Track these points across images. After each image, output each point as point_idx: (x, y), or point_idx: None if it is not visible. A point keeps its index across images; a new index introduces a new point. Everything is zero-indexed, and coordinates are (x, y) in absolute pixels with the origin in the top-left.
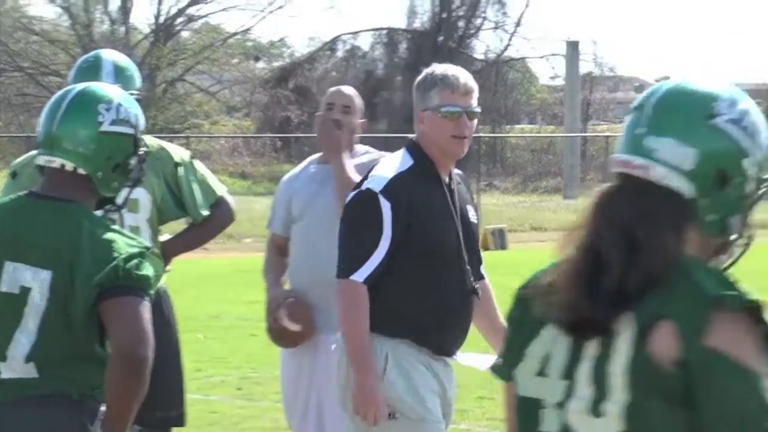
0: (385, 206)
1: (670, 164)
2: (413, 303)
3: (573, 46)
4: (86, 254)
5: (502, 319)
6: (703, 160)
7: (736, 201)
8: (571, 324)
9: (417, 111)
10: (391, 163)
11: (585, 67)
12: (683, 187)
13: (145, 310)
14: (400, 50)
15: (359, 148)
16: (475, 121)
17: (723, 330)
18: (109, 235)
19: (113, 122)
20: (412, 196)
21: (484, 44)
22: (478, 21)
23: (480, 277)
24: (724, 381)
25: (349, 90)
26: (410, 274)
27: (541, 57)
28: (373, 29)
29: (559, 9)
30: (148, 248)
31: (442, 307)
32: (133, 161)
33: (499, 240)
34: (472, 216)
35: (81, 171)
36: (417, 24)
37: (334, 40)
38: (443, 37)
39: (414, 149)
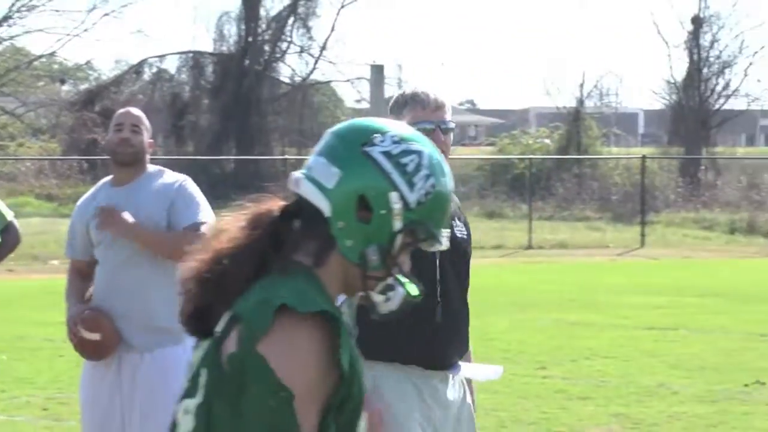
0: None
1: (318, 182)
2: (391, 325)
3: (378, 70)
4: None
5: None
6: (344, 182)
7: (377, 233)
8: (188, 327)
9: None
10: None
11: (390, 90)
12: (324, 205)
13: None
14: (207, 73)
15: (151, 168)
16: (451, 136)
17: (276, 338)
18: None
19: None
20: None
21: (290, 68)
22: (284, 45)
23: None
24: (257, 388)
25: (136, 110)
26: None
27: (347, 80)
28: (180, 52)
29: (364, 33)
30: None
31: (421, 324)
32: None
33: None
34: (459, 231)
35: None
36: (224, 48)
37: (141, 63)
38: (249, 61)
39: None
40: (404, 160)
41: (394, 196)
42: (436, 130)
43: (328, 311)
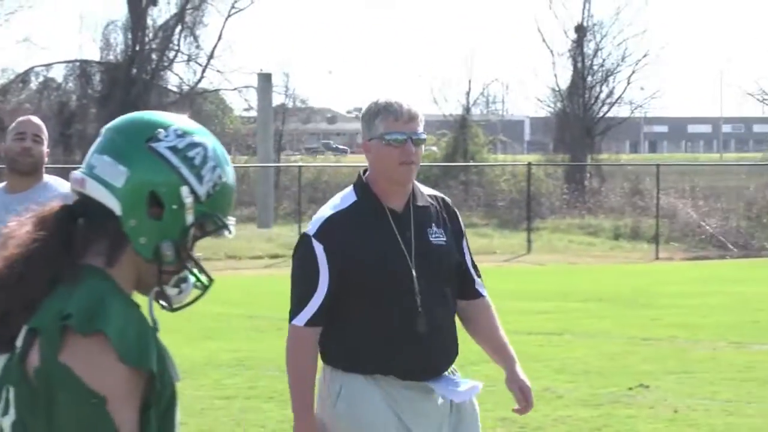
0: (318, 249)
1: (105, 180)
2: (364, 337)
3: (265, 78)
4: None
5: (502, 336)
6: (133, 179)
7: (171, 228)
8: None
9: (363, 142)
10: (332, 202)
11: (277, 98)
12: (113, 204)
13: None
14: (94, 82)
15: (46, 176)
16: (422, 147)
17: (76, 347)
18: None
19: None
20: (346, 236)
21: (178, 77)
22: (172, 53)
23: (475, 295)
24: (68, 398)
25: (37, 120)
26: (357, 310)
27: (234, 89)
28: (67, 61)
29: (251, 42)
30: None
31: (396, 337)
32: None
33: None
34: (435, 238)
35: None
36: (111, 56)
37: (27, 72)
38: (137, 70)
39: (358, 184)
40: (191, 153)
41: (184, 190)
42: (408, 141)
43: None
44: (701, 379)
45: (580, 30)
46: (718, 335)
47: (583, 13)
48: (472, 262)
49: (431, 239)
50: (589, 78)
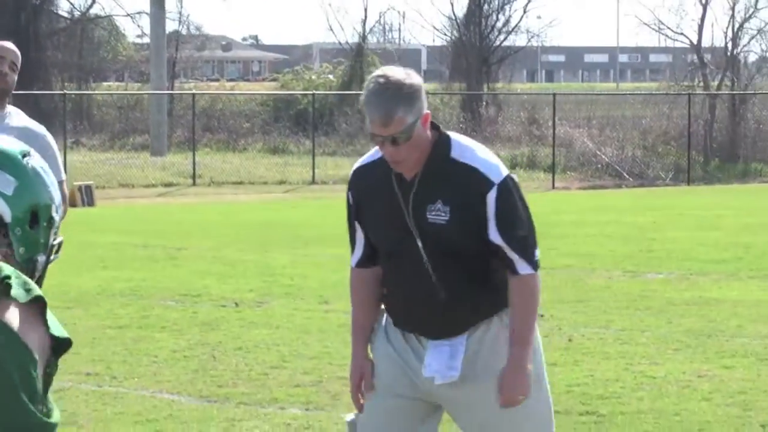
0: (350, 199)
1: None
2: (387, 288)
3: (158, 5)
4: None
5: (514, 326)
6: (18, 191)
7: (43, 245)
8: None
9: None
10: (371, 150)
11: (171, 25)
12: (4, 212)
13: None
14: None
15: (9, 108)
16: (410, 141)
17: (11, 311)
18: None
19: None
20: (362, 193)
21: (69, 2)
22: None
23: (511, 272)
24: (8, 352)
25: (15, 47)
26: (382, 263)
27: (127, 15)
28: None
29: None
30: None
31: (399, 303)
32: None
33: (87, 197)
34: (434, 215)
35: None
36: None
37: None
38: None
39: None
40: (45, 175)
41: (53, 208)
42: (385, 143)
43: (41, 296)
44: (596, 308)
45: None
46: (614, 264)
47: None
48: (514, 237)
49: (427, 215)
50: (486, 6)
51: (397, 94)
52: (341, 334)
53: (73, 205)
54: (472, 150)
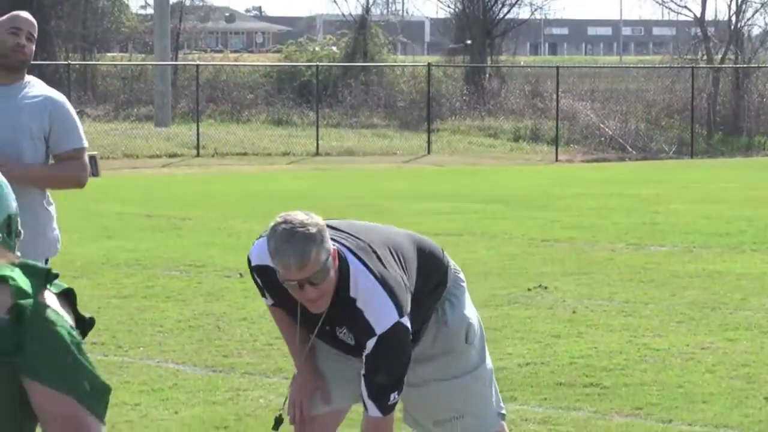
0: (256, 278)
1: None
2: None
3: None
4: None
5: None
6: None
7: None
8: None
9: None
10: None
11: None
12: None
13: None
14: None
15: (28, 77)
16: (322, 284)
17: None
18: None
19: None
20: (271, 286)
21: None
22: None
23: (364, 409)
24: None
25: (32, 18)
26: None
27: None
28: None
29: None
30: None
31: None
32: None
33: (92, 167)
34: (344, 336)
35: None
36: None
37: None
38: None
39: None
40: (7, 187)
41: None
42: (304, 286)
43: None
44: (599, 280)
45: None
46: (617, 237)
47: None
48: (372, 383)
49: (337, 333)
50: None
51: (307, 235)
52: None
53: None
54: (366, 292)
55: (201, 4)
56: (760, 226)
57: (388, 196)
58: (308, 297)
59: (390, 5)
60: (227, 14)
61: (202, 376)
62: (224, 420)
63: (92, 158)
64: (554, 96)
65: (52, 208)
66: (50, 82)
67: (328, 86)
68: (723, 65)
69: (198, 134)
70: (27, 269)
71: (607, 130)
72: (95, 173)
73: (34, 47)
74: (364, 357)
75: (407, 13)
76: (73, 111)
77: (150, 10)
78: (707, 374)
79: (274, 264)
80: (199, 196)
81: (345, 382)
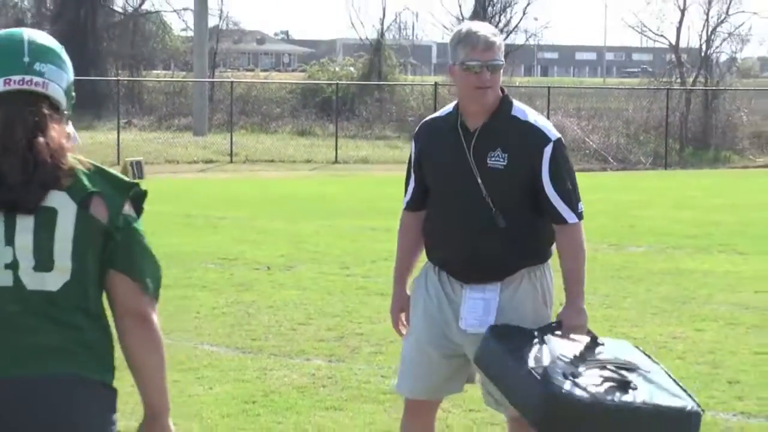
0: (414, 148)
1: (56, 83)
2: (431, 232)
3: (202, 2)
4: None
5: (567, 268)
6: (69, 83)
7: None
8: (4, 203)
9: (449, 66)
10: (441, 109)
11: (213, 20)
12: (63, 101)
13: None
14: (47, 2)
15: None
16: (500, 73)
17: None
18: None
19: None
20: (428, 139)
21: None
22: None
23: (557, 221)
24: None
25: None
26: (431, 206)
27: (174, 11)
28: None
29: None
30: None
31: (448, 240)
32: None
33: (138, 171)
34: (493, 161)
35: None
36: None
37: None
38: None
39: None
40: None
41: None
42: (483, 68)
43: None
44: None
45: None
46: (599, 238)
47: None
48: (563, 189)
49: (488, 160)
50: (490, 8)
51: (492, 30)
52: (360, 296)
53: None
54: (531, 113)
55: (235, 28)
56: (725, 231)
57: (398, 199)
58: (483, 80)
59: (402, 31)
60: (258, 37)
61: (234, 356)
62: (252, 396)
63: (138, 163)
64: (545, 113)
65: None
66: (102, 96)
67: (346, 102)
68: (694, 87)
69: (231, 143)
70: (113, 182)
71: (591, 143)
72: (140, 176)
73: None
74: (543, 166)
75: (417, 37)
76: None
77: (190, 33)
78: (678, 360)
79: (462, 46)
80: (231, 197)
81: (442, 380)
